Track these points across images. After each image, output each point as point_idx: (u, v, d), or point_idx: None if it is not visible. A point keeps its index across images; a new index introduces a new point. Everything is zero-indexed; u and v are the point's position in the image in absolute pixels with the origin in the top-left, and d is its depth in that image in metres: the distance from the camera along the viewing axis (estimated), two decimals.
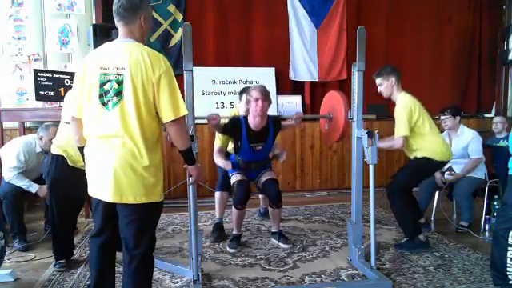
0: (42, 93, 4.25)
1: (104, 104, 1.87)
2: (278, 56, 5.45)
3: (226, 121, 3.17)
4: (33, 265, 3.05)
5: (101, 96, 1.88)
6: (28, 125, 4.56)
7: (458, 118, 3.86)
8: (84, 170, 2.18)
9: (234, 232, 3.36)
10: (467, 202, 3.69)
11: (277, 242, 3.37)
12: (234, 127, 3.13)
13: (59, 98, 4.39)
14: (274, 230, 3.45)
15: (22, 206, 3.50)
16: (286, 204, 4.52)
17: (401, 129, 3.10)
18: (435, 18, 5.80)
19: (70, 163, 2.85)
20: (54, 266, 2.94)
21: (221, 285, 2.66)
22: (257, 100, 3.06)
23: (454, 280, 2.69)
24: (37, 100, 4.35)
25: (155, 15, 5.06)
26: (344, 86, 5.55)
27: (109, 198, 1.90)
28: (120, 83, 1.85)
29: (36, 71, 4.27)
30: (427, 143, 3.15)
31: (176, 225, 3.95)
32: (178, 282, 2.71)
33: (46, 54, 4.62)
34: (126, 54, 1.87)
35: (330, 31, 5.46)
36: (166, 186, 4.80)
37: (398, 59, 5.49)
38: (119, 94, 1.85)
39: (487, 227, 3.66)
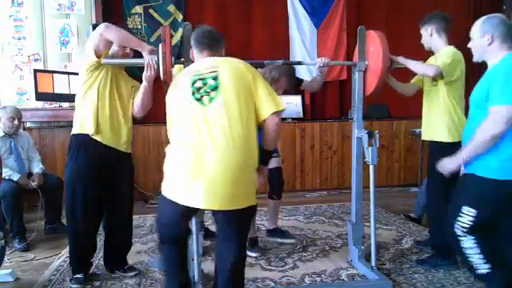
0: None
1: (198, 99, 1.89)
2: (277, 56, 5.42)
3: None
4: (33, 265, 3.05)
5: (193, 93, 1.90)
6: (28, 125, 4.55)
7: None
8: (126, 155, 2.42)
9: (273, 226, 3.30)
10: None
11: (278, 239, 3.18)
12: None
13: (59, 98, 4.41)
14: (271, 227, 3.29)
15: (21, 206, 3.50)
16: (285, 204, 4.53)
17: (441, 64, 2.66)
18: None
19: (93, 133, 2.49)
20: (70, 281, 2.64)
21: None
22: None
23: (454, 280, 2.68)
24: (37, 100, 4.36)
25: (155, 15, 5.06)
26: (344, 86, 5.55)
27: (225, 205, 1.87)
28: (215, 79, 1.90)
29: (36, 71, 4.27)
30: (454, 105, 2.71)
31: None
32: None
33: (46, 54, 4.62)
34: (216, 58, 2.02)
35: (330, 31, 5.46)
36: None
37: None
38: (216, 88, 1.88)
39: None
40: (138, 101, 2.62)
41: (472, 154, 2.09)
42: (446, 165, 2.23)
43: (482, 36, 2.13)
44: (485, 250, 2.09)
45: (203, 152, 1.81)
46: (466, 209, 2.08)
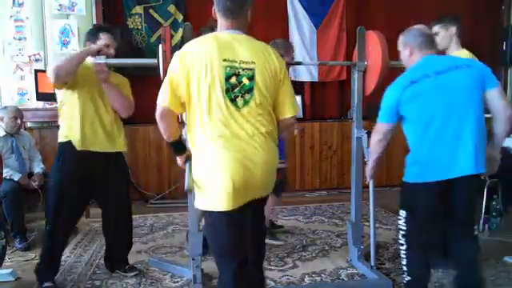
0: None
1: (232, 100, 1.76)
2: None
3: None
4: (33, 264, 3.04)
5: (227, 91, 1.75)
6: (29, 125, 4.56)
7: None
8: (116, 154, 2.38)
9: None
10: None
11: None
12: None
13: None
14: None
15: (22, 206, 3.51)
16: (285, 204, 4.55)
17: None
18: (435, 18, 5.79)
19: (79, 147, 2.48)
20: None
21: None
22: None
23: None
24: (37, 100, 4.37)
25: (155, 15, 5.07)
26: (344, 86, 5.56)
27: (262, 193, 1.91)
28: (251, 78, 1.78)
29: (37, 71, 4.28)
30: None
31: (176, 225, 3.95)
32: (178, 282, 2.72)
33: (47, 55, 4.62)
34: (250, 47, 1.82)
35: (330, 31, 5.46)
36: (166, 186, 4.81)
37: (398, 59, 5.48)
38: (250, 90, 1.78)
39: (486, 227, 3.66)
40: (112, 103, 2.57)
41: (372, 159, 2.43)
42: (366, 171, 2.54)
43: (405, 49, 2.29)
44: (409, 264, 2.21)
45: (251, 155, 1.78)
46: (400, 212, 2.24)
